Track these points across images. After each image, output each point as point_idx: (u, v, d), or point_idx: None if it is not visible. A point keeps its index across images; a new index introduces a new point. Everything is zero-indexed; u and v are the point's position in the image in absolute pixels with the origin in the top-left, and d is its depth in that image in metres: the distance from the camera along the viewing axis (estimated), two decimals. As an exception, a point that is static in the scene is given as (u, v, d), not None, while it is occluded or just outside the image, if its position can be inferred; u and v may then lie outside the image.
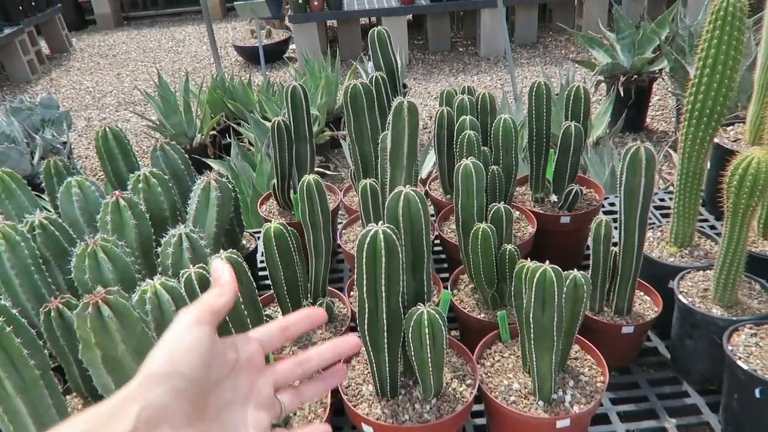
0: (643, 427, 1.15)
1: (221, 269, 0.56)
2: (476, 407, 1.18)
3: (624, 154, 1.08)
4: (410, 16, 7.09)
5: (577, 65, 4.04)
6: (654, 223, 1.50)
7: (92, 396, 1.15)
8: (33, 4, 7.16)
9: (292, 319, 0.59)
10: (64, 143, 3.36)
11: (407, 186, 0.94)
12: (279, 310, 1.22)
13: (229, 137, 3.26)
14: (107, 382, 0.93)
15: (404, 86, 4.12)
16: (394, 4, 5.82)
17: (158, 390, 0.47)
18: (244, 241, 1.63)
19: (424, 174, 2.66)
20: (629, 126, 3.66)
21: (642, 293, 1.30)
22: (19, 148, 2.81)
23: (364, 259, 0.86)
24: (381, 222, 0.87)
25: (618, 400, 1.20)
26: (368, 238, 0.85)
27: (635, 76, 3.56)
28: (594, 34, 3.95)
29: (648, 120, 3.95)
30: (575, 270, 0.99)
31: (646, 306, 1.27)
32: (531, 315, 0.93)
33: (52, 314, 1.04)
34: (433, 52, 6.30)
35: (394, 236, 0.86)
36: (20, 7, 6.89)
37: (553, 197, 1.54)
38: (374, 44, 1.44)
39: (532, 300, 0.91)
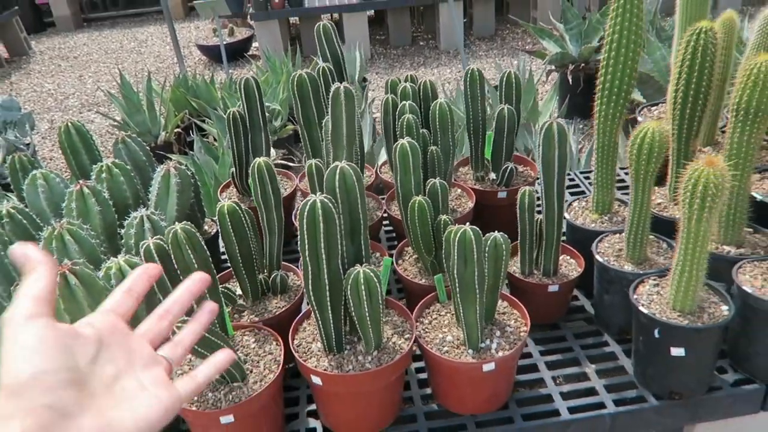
0: (567, 372, 1.29)
1: (24, 252, 0.52)
2: (419, 364, 1.31)
3: (539, 129, 1.22)
4: (372, 12, 7.19)
5: (529, 55, 4.21)
6: (584, 194, 1.65)
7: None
8: (-11, 6, 7.05)
9: (131, 279, 0.60)
10: (27, 144, 3.39)
11: (344, 161, 1.06)
12: (237, 283, 1.33)
13: (194, 134, 3.33)
14: (77, 347, 1.02)
15: (364, 80, 4.24)
16: (355, 0, 5.93)
17: (33, 395, 0.45)
18: (206, 227, 1.72)
19: (380, 162, 2.78)
20: (578, 112, 3.84)
21: (567, 257, 1.44)
22: (-18, 150, 2.84)
23: (305, 226, 0.98)
24: (319, 193, 0.98)
25: (546, 351, 1.34)
26: (308, 207, 0.97)
27: (583, 65, 3.74)
28: (545, 26, 4.12)
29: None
30: (496, 232, 1.12)
31: (571, 268, 1.41)
32: (455, 271, 1.05)
33: (22, 291, 1.13)
34: (395, 46, 6.43)
35: (330, 204, 0.98)
36: (-24, 10, 6.78)
37: (492, 175, 1.68)
38: (320, 38, 1.55)
39: (455, 257, 1.04)
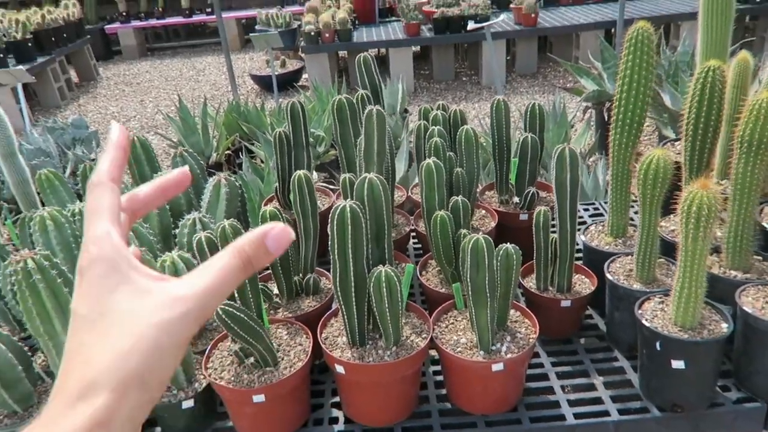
0: (576, 383, 1.37)
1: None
2: (436, 368, 1.41)
3: (553, 153, 1.33)
4: (417, 48, 7.45)
5: (568, 93, 4.31)
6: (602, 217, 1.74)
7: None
8: (65, 35, 7.65)
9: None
10: (93, 160, 3.68)
11: (373, 174, 1.19)
12: (275, 284, 1.47)
13: (243, 156, 3.56)
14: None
15: (406, 111, 4.42)
16: (401, 36, 6.18)
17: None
18: (249, 236, 1.89)
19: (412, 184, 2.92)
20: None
21: (582, 276, 1.53)
22: (53, 162, 3.12)
23: (335, 227, 1.11)
24: (349, 199, 1.12)
25: (557, 363, 1.43)
26: (338, 211, 1.11)
27: (620, 103, 3.82)
28: (584, 65, 4.23)
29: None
30: (509, 244, 1.23)
31: (585, 286, 1.50)
32: (468, 276, 1.17)
33: (90, 277, 1.30)
34: (438, 81, 6.63)
35: (358, 210, 1.11)
36: (53, 38, 7.37)
37: (516, 199, 1.79)
38: (360, 68, 1.72)
39: (468, 263, 1.15)
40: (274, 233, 0.45)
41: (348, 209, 1.10)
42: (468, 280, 1.17)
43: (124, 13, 10.00)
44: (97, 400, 0.38)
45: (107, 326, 0.41)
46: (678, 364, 1.19)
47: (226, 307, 1.09)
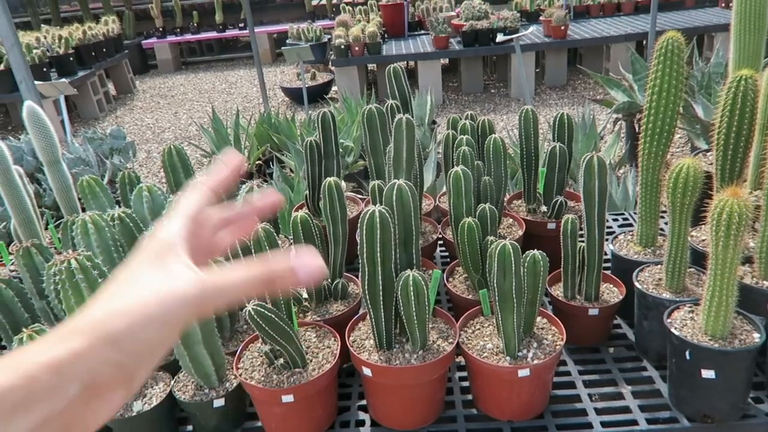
0: (603, 391, 1.36)
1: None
2: (462, 374, 1.42)
3: (581, 162, 1.34)
4: (446, 60, 7.49)
5: (598, 104, 4.29)
6: (632, 227, 1.73)
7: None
8: (104, 50, 7.92)
9: (213, 181, 0.58)
10: (131, 169, 3.81)
11: (402, 180, 1.22)
12: (304, 289, 1.50)
13: (273, 166, 3.63)
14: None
15: (434, 122, 4.45)
16: (429, 49, 6.23)
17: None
18: (279, 242, 1.93)
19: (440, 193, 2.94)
20: (646, 160, 3.85)
21: (611, 285, 1.53)
22: (93, 170, 3.24)
23: (365, 231, 1.14)
24: (378, 204, 1.15)
25: (584, 371, 1.42)
26: (368, 215, 1.13)
27: (651, 114, 3.78)
28: (614, 76, 4.20)
29: (668, 155, 4.13)
30: (536, 250, 1.24)
31: (613, 295, 1.49)
32: (495, 281, 1.18)
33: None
34: (466, 93, 6.65)
35: (387, 215, 1.14)
36: (93, 53, 7.64)
37: (543, 208, 1.79)
38: (390, 78, 1.76)
39: (495, 268, 1.16)
40: (309, 269, 0.48)
41: (377, 214, 1.12)
42: (495, 285, 1.18)
43: (160, 29, 10.32)
44: (68, 345, 0.41)
45: (120, 289, 0.46)
46: (708, 373, 1.17)
47: (258, 308, 1.13)
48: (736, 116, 1.38)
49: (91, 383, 0.41)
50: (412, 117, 1.78)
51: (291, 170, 3.75)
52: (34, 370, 0.39)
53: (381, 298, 1.20)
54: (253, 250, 1.22)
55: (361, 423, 1.33)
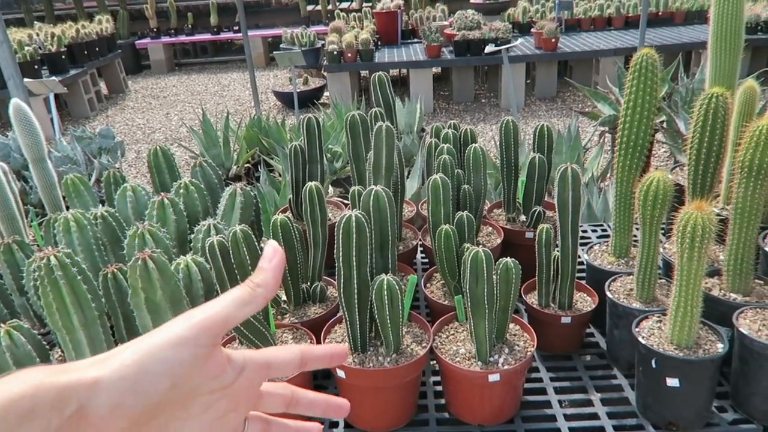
0: (573, 398, 1.39)
1: (272, 253, 0.50)
2: (436, 378, 1.44)
3: (556, 173, 1.37)
4: (438, 69, 7.55)
5: (586, 117, 4.34)
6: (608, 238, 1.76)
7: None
8: (97, 49, 7.91)
9: (314, 355, 0.55)
10: (117, 169, 3.81)
11: (379, 186, 1.25)
12: (283, 290, 1.52)
13: (261, 169, 3.65)
14: (147, 322, 1.24)
15: (422, 130, 4.48)
16: (421, 57, 6.28)
17: (102, 397, 0.41)
18: (262, 244, 1.95)
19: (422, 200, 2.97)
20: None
21: (585, 294, 1.56)
22: (80, 169, 3.24)
23: (341, 235, 1.16)
24: (355, 209, 1.17)
25: (556, 378, 1.45)
26: (344, 219, 1.16)
27: (636, 128, 3.84)
28: (602, 89, 4.27)
29: (652, 168, 4.20)
30: (509, 258, 1.27)
31: (586, 304, 1.52)
32: (468, 287, 1.20)
33: (108, 276, 1.37)
34: (457, 102, 6.71)
35: (363, 219, 1.16)
36: (85, 52, 7.63)
37: (523, 217, 1.82)
38: (375, 86, 1.79)
39: (468, 274, 1.19)
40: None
41: (354, 218, 1.15)
42: (468, 291, 1.21)
43: (154, 29, 10.32)
44: (89, 371, 0.42)
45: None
46: (673, 382, 1.20)
47: (234, 308, 1.15)
48: (707, 132, 1.42)
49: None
50: (396, 124, 1.81)
51: (279, 174, 3.77)
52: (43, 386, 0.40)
53: (356, 301, 1.22)
54: (231, 253, 1.24)
55: (335, 424, 1.35)
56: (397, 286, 1.18)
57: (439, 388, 1.42)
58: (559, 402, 1.37)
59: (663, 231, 1.73)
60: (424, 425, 1.33)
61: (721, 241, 1.46)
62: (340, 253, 1.18)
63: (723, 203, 1.67)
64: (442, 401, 1.38)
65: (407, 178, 3.07)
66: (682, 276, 1.17)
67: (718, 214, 1.53)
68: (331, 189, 3.31)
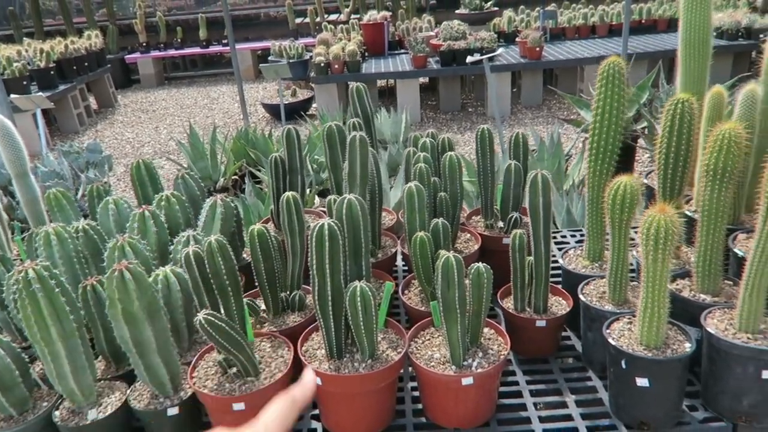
0: (548, 400, 1.41)
1: (310, 378, 0.70)
2: (414, 384, 1.46)
3: (527, 179, 1.40)
4: (426, 79, 7.61)
5: (569, 124, 4.40)
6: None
7: (114, 359, 1.47)
8: (86, 64, 7.93)
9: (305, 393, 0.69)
10: (104, 183, 3.82)
11: (353, 195, 1.27)
12: (263, 300, 1.54)
13: (247, 181, 3.67)
14: (124, 333, 1.25)
15: (407, 140, 4.52)
16: (408, 68, 6.33)
17: None
18: (244, 255, 1.96)
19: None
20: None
21: (560, 298, 1.58)
22: (66, 184, 3.25)
23: (314, 243, 1.19)
24: (329, 218, 1.20)
25: (532, 381, 1.47)
26: (317, 228, 1.18)
27: (618, 134, 3.89)
28: (585, 97, 4.32)
29: (636, 174, 4.25)
30: (480, 263, 1.30)
31: (561, 307, 1.55)
32: (440, 292, 1.23)
33: (88, 288, 1.39)
34: (444, 111, 6.76)
35: (336, 227, 1.19)
36: (74, 67, 7.64)
37: (500, 223, 1.85)
38: (353, 97, 1.82)
39: (440, 280, 1.21)
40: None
41: (326, 227, 1.17)
42: (440, 296, 1.23)
43: (144, 44, 10.35)
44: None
45: None
46: (642, 381, 1.23)
47: (209, 317, 1.16)
48: (675, 137, 1.46)
49: None
50: (375, 134, 1.84)
51: (266, 185, 3.79)
52: None
53: (330, 308, 1.24)
54: (206, 263, 1.25)
55: (313, 431, 1.36)
56: (370, 293, 1.20)
57: (416, 393, 1.43)
58: (535, 405, 1.40)
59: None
60: (402, 430, 1.34)
61: (693, 244, 1.50)
62: (314, 261, 1.20)
63: (696, 206, 1.70)
64: (420, 406, 1.40)
65: (392, 187, 3.09)
66: (648, 277, 1.20)
67: (690, 217, 1.56)
68: (317, 199, 3.33)
